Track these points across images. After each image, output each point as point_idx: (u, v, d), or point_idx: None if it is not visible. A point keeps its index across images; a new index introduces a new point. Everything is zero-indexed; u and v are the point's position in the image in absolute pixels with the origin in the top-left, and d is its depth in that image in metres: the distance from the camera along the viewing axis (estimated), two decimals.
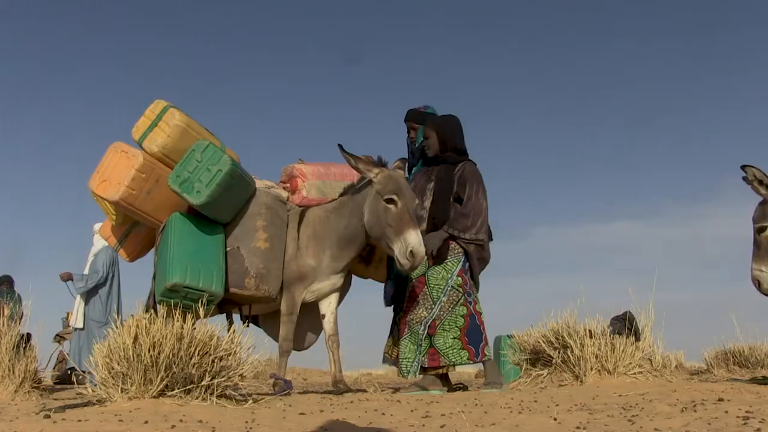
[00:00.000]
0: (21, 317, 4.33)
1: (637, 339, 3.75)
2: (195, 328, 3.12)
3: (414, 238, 3.66)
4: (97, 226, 7.18)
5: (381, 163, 3.96)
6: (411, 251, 3.64)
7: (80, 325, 7.12)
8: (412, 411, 2.82)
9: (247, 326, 4.22)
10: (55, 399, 4.07)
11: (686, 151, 22.59)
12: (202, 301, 3.62)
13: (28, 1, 20.20)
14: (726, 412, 2.30)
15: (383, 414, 2.75)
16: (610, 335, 3.71)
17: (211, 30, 23.25)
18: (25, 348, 4.07)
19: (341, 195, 4.22)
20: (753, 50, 20.84)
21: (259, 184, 4.29)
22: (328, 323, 4.23)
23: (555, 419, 2.37)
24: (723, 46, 21.62)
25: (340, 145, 3.89)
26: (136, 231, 4.52)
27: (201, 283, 3.74)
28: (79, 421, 2.50)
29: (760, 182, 3.51)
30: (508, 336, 4.75)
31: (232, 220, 4.08)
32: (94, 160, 4.07)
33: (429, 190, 4.22)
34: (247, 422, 2.53)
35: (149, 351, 2.96)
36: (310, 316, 4.39)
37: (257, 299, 4.07)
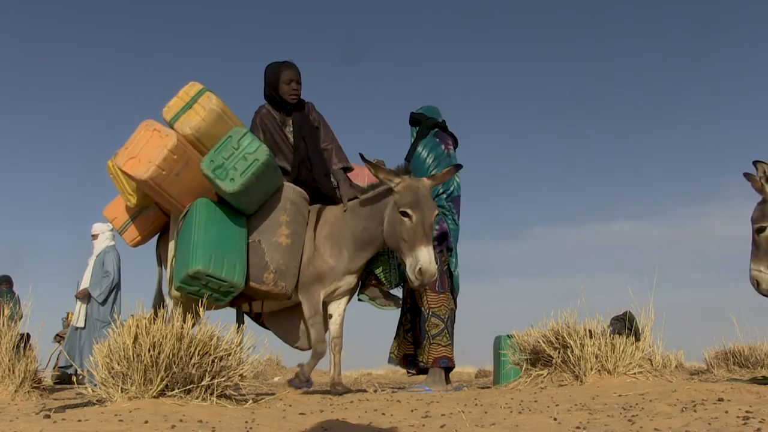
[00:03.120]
0: (21, 317, 4.33)
1: (637, 339, 3.75)
2: (196, 327, 3.12)
3: (424, 256, 3.59)
4: (96, 228, 7.14)
5: (405, 171, 3.85)
6: (420, 269, 3.57)
7: (82, 324, 7.09)
8: (412, 411, 2.82)
9: (240, 325, 4.20)
10: (55, 399, 4.07)
11: (686, 151, 22.57)
12: (221, 291, 3.59)
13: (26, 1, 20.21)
14: (726, 412, 2.30)
15: (383, 414, 2.75)
16: (610, 335, 3.71)
17: (212, 29, 23.26)
18: (24, 348, 4.07)
19: (361, 195, 4.13)
20: (754, 50, 20.85)
21: None
22: (334, 324, 4.17)
23: (555, 419, 2.37)
24: (724, 46, 21.63)
25: (361, 155, 3.86)
26: (144, 215, 4.43)
27: (224, 273, 3.63)
28: (79, 421, 2.49)
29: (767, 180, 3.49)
30: (508, 336, 4.74)
31: (256, 212, 3.97)
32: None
33: (288, 140, 4.25)
34: (247, 422, 2.53)
35: (149, 351, 2.95)
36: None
37: (273, 295, 3.98)
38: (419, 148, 4.41)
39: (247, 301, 4.18)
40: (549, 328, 3.98)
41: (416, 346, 4.37)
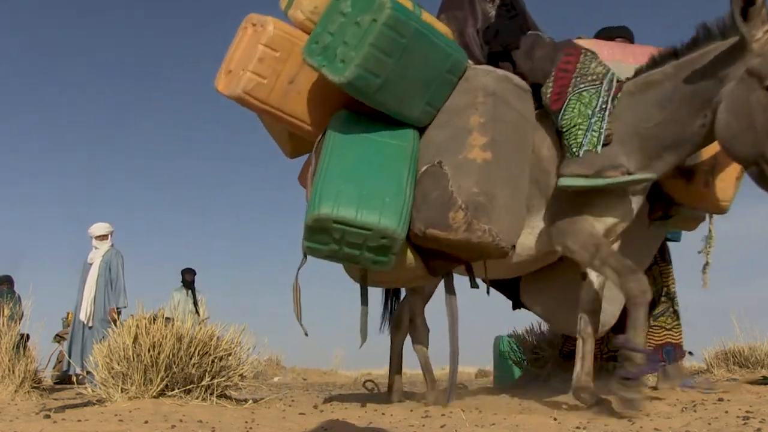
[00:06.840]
0: (21, 317, 4.33)
1: None
2: (197, 328, 3.12)
3: None
4: (103, 228, 7.09)
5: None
6: None
7: (91, 323, 7.04)
8: (411, 411, 2.83)
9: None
10: (55, 399, 4.08)
11: None
12: (370, 247, 2.37)
13: None
14: (726, 412, 2.30)
15: (383, 414, 2.76)
16: None
17: (213, 27, 23.28)
18: (23, 348, 4.09)
19: (652, 67, 2.54)
20: None
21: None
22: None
23: (555, 419, 2.37)
24: None
25: None
26: None
27: (360, 215, 2.35)
28: (79, 421, 2.50)
29: None
30: (508, 336, 4.76)
31: (433, 120, 2.63)
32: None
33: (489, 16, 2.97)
34: (247, 422, 2.53)
35: (149, 351, 2.96)
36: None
37: (475, 248, 2.45)
38: None
39: (453, 264, 2.66)
40: (549, 328, 3.98)
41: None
